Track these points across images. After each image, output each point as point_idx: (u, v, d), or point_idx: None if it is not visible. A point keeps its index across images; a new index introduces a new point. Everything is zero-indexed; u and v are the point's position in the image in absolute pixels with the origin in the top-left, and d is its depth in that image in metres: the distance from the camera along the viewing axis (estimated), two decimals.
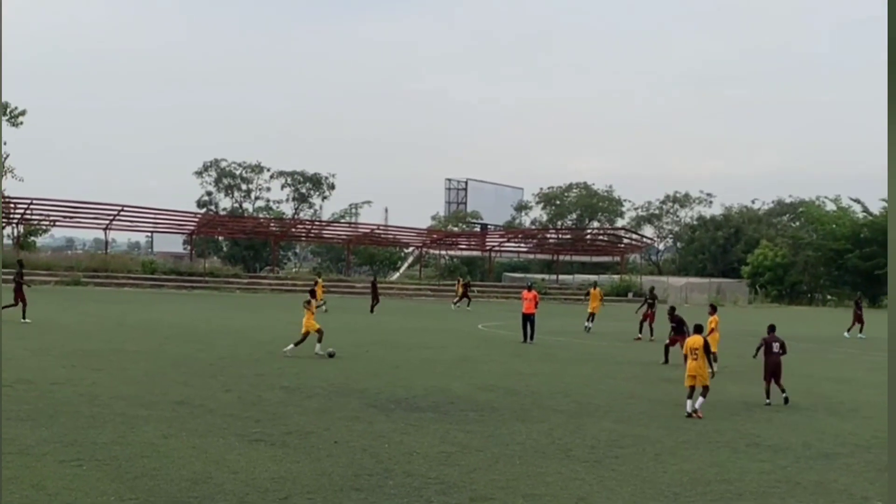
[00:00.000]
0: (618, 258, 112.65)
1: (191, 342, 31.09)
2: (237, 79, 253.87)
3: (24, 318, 35.43)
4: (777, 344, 21.85)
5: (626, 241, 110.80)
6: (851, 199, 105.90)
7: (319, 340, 28.03)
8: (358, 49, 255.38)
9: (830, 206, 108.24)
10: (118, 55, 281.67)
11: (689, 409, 19.40)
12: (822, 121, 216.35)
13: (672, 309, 30.39)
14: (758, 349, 22.48)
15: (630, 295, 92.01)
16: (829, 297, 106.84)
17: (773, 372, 21.70)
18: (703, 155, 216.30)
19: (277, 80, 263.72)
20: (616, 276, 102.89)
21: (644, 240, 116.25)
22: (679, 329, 29.04)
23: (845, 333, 46.51)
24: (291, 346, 27.96)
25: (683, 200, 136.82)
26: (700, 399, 19.55)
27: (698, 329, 21.33)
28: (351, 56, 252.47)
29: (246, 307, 56.62)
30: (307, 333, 28.18)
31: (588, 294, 50.31)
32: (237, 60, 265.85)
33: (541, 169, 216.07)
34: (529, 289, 38.31)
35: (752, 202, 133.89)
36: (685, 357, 20.70)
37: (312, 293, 46.13)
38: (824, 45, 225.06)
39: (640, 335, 39.77)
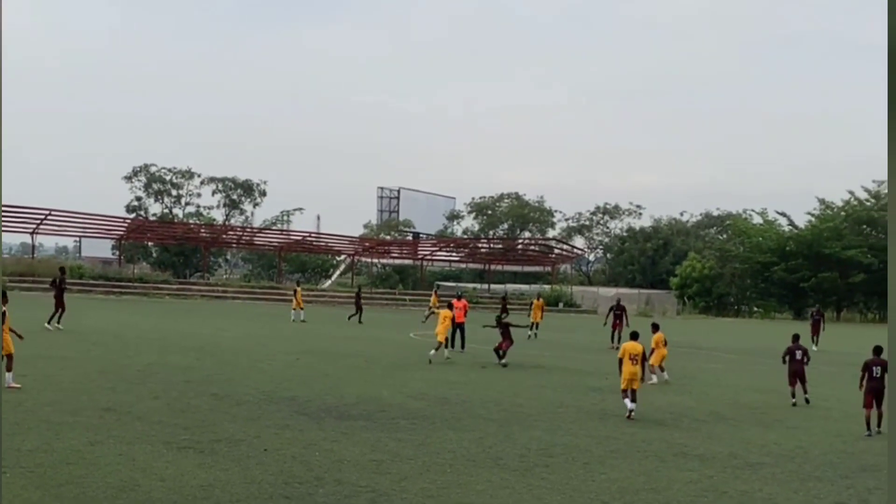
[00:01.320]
0: (549, 268, 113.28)
1: (119, 348, 30.66)
2: (168, 84, 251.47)
3: (52, 323, 36.41)
4: (800, 352, 24.06)
5: (556, 251, 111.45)
6: (778, 213, 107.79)
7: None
8: (291, 56, 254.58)
9: (757, 220, 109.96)
10: (41, 60, 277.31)
11: (630, 407, 20.60)
12: (749, 135, 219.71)
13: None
14: (784, 356, 24.37)
15: (560, 305, 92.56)
16: (755, 308, 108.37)
17: (798, 376, 24.12)
18: (633, 167, 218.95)
19: (208, 85, 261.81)
20: (547, 286, 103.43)
21: (575, 250, 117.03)
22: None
23: (814, 347, 46.19)
24: None
25: (613, 212, 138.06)
26: (632, 405, 20.61)
27: (634, 336, 22.10)
28: (284, 63, 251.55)
29: (175, 313, 56.01)
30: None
31: (531, 305, 51.69)
32: (168, 66, 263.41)
33: (473, 178, 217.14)
34: (459, 298, 38.39)
35: (681, 214, 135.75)
36: (620, 362, 21.21)
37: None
38: (749, 60, 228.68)
39: (613, 344, 40.01)
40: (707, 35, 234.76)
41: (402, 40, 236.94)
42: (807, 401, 24.28)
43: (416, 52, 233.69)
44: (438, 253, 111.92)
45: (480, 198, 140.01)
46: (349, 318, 55.43)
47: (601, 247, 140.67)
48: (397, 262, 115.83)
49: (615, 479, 14.32)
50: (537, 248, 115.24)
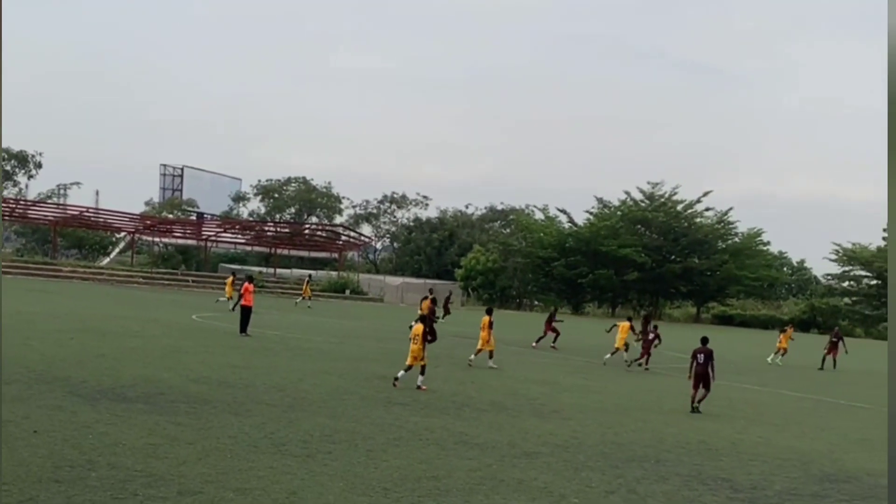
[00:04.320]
0: (336, 255, 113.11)
1: None
2: None
3: None
4: (703, 355, 24.18)
5: (344, 238, 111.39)
6: (558, 210, 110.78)
7: None
8: (73, 22, 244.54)
9: (539, 216, 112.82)
10: None
11: (398, 375, 23.82)
12: (534, 132, 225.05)
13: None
14: (692, 361, 24.53)
15: (347, 292, 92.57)
16: (536, 302, 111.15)
17: (700, 380, 24.10)
18: (420, 158, 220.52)
19: None
20: (334, 273, 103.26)
21: (362, 238, 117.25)
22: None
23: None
24: None
25: (401, 201, 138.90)
26: (420, 377, 23.62)
27: (423, 319, 24.69)
28: (65, 30, 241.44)
29: None
30: None
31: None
32: None
33: (260, 161, 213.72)
34: (250, 280, 37.96)
35: (467, 207, 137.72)
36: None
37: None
38: (538, 59, 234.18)
39: (553, 344, 42.55)
40: (498, 32, 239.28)
41: (185, 13, 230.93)
42: (696, 409, 24.03)
43: (202, 27, 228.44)
44: (223, 234, 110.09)
45: (267, 180, 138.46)
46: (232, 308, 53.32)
47: (388, 236, 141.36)
48: (180, 242, 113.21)
49: (397, 467, 14.39)
50: (324, 235, 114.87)
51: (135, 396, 18.77)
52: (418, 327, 24.12)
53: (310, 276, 79.56)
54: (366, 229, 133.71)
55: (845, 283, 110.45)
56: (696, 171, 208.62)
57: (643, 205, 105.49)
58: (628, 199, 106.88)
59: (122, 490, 11.59)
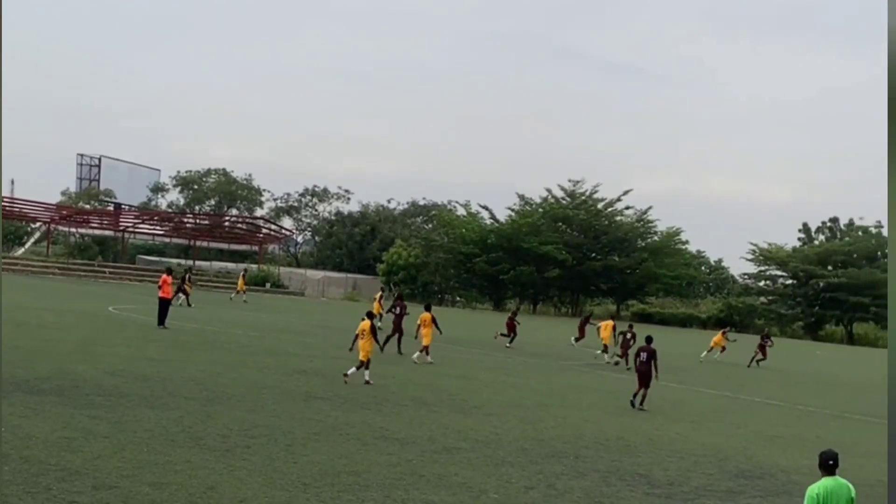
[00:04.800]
0: (256, 248, 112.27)
1: None
2: None
3: None
4: (645, 353, 24.79)
5: (264, 231, 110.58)
6: (480, 206, 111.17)
7: None
8: None
9: (461, 211, 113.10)
10: None
11: (366, 377, 24.02)
12: (457, 128, 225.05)
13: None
14: (635, 359, 25.42)
15: (267, 285, 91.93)
16: (458, 297, 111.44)
17: (640, 378, 24.70)
18: (342, 152, 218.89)
19: None
20: (254, 266, 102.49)
21: (283, 231, 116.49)
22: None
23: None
24: None
25: (322, 195, 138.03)
26: (366, 371, 24.16)
27: (370, 315, 25.56)
28: None
29: None
30: None
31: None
32: None
33: (179, 152, 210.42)
34: (169, 273, 37.52)
35: (389, 202, 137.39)
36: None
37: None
38: (457, 56, 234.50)
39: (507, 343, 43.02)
40: (422, 28, 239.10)
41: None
42: (632, 404, 24.61)
43: (121, 14, 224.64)
44: (141, 225, 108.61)
45: (187, 171, 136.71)
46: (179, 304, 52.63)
47: (309, 229, 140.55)
48: (97, 232, 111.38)
49: (317, 462, 14.35)
50: (245, 227, 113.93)
51: (49, 389, 18.47)
52: (365, 323, 24.64)
53: (245, 269, 79.16)
54: (287, 222, 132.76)
55: (761, 283, 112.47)
56: (616, 170, 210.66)
57: (564, 202, 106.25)
58: (550, 197, 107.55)
59: (35, 484, 11.40)
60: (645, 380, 24.68)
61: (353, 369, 24.23)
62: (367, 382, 23.93)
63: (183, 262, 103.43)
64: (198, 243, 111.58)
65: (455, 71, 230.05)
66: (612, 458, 17.23)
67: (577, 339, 46.38)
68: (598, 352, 39.03)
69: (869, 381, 44.02)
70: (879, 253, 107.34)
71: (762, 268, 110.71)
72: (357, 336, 24.79)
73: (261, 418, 17.67)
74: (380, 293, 50.74)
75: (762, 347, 46.49)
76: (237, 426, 16.57)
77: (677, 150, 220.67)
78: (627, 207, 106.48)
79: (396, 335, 34.14)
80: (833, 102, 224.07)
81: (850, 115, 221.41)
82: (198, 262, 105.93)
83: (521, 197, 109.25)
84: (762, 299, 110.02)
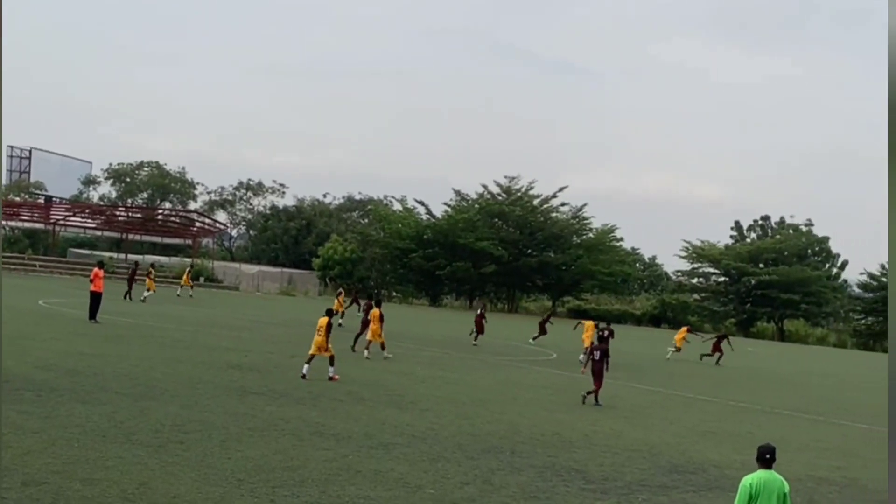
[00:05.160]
0: (190, 241, 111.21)
1: None
2: None
3: None
4: (599, 353, 25.46)
5: (198, 224, 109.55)
6: (416, 201, 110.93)
7: None
8: None
9: (397, 207, 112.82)
10: None
11: (304, 371, 24.36)
12: (393, 123, 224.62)
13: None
14: (589, 356, 25.99)
15: (201, 280, 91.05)
16: (394, 293, 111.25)
17: (594, 375, 25.21)
18: (277, 146, 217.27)
19: None
20: (188, 260, 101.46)
21: (217, 225, 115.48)
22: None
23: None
24: None
25: (257, 189, 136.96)
26: (331, 368, 24.60)
27: (329, 312, 25.80)
28: None
29: None
30: None
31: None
32: None
33: (111, 144, 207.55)
34: (101, 266, 37.05)
35: (324, 196, 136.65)
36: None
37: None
38: (397, 51, 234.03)
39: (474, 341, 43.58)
40: (361, 22, 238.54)
41: None
42: (587, 400, 25.22)
43: (52, 2, 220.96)
44: (73, 218, 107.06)
45: (119, 164, 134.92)
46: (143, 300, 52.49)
47: (244, 223, 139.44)
48: (27, 225, 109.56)
49: (251, 457, 14.25)
50: (178, 220, 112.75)
51: None
52: (323, 320, 25.11)
53: (192, 264, 78.79)
54: (221, 216, 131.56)
55: (695, 280, 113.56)
56: (552, 167, 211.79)
57: (500, 199, 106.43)
58: (486, 193, 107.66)
59: None
60: (599, 377, 25.25)
61: (306, 366, 24.71)
62: (332, 378, 24.53)
63: (115, 255, 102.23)
64: (130, 237, 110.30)
65: (392, 66, 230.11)
66: (547, 454, 17.31)
67: (535, 338, 46.98)
68: (582, 356, 38.44)
69: (799, 378, 44.71)
70: (809, 251, 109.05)
71: (695, 265, 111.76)
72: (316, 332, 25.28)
73: (194, 413, 17.50)
74: (340, 290, 51.73)
75: (719, 344, 47.29)
76: (170, 421, 16.40)
77: (613, 148, 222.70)
78: (563, 204, 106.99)
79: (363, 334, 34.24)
80: (764, 100, 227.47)
81: (781, 114, 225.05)
82: (131, 256, 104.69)
83: (458, 192, 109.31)
84: (695, 296, 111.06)
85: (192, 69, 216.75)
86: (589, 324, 41.33)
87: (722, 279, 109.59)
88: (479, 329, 44.43)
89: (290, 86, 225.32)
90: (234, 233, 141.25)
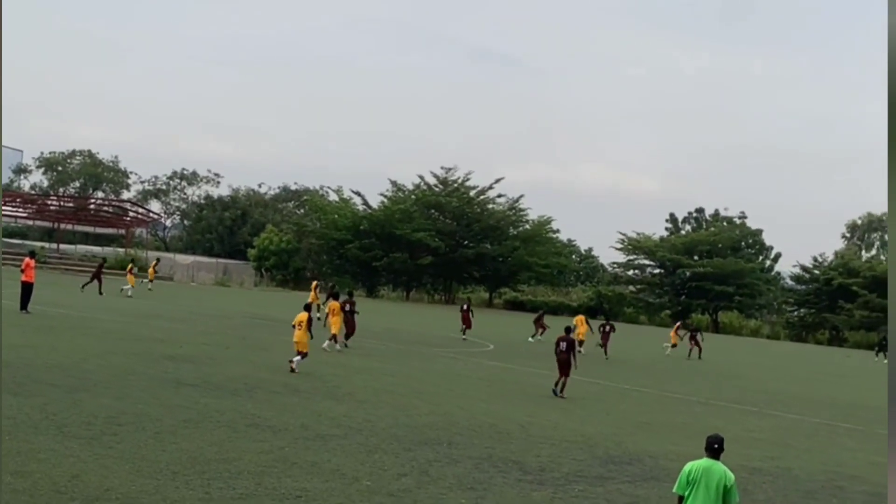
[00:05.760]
0: (123, 231, 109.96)
1: None
2: None
3: None
4: (565, 343, 25.94)
5: (132, 214, 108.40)
6: (353, 192, 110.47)
7: None
8: None
9: (333, 197, 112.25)
10: None
11: (295, 365, 25.01)
12: (328, 113, 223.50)
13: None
14: (555, 348, 26.40)
15: (135, 270, 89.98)
16: (331, 284, 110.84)
17: (560, 366, 25.90)
18: (211, 136, 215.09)
19: None
20: (121, 250, 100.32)
21: (150, 214, 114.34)
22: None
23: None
24: None
25: (191, 178, 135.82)
26: (297, 358, 25.17)
27: (307, 307, 26.95)
28: None
29: None
30: None
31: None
32: None
33: (42, 132, 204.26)
34: (32, 256, 36.54)
35: (259, 186, 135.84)
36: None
37: None
38: (327, 40, 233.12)
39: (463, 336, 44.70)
40: (293, 11, 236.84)
41: None
42: (554, 392, 25.84)
43: None
44: (3, 208, 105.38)
45: (50, 153, 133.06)
46: (83, 287, 53.19)
47: (178, 213, 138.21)
48: None
49: (186, 450, 14.14)
50: (111, 210, 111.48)
51: None
52: (303, 315, 25.94)
53: (157, 259, 79.44)
54: (155, 206, 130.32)
55: (630, 272, 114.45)
56: (488, 158, 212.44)
57: (437, 189, 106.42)
58: (422, 184, 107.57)
59: None
60: (565, 368, 25.91)
61: (298, 358, 25.28)
62: (292, 369, 24.91)
63: (47, 245, 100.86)
64: (62, 226, 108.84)
65: (324, 55, 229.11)
66: (484, 445, 17.38)
67: (534, 336, 48.31)
68: (580, 350, 39.32)
69: (733, 369, 45.30)
70: (743, 243, 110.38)
71: (631, 257, 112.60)
72: (295, 326, 26.01)
73: (128, 405, 17.33)
74: (315, 283, 52.99)
75: (694, 339, 48.12)
76: (103, 413, 16.23)
77: (548, 140, 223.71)
78: (500, 195, 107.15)
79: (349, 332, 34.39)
80: (698, 94, 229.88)
81: (715, 108, 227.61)
82: (62, 246, 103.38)
83: (394, 183, 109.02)
84: (631, 288, 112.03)
85: (126, 58, 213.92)
86: (580, 317, 44.04)
87: (657, 271, 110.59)
88: (468, 324, 45.94)
89: (225, 75, 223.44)
90: (168, 223, 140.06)
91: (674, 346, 48.87)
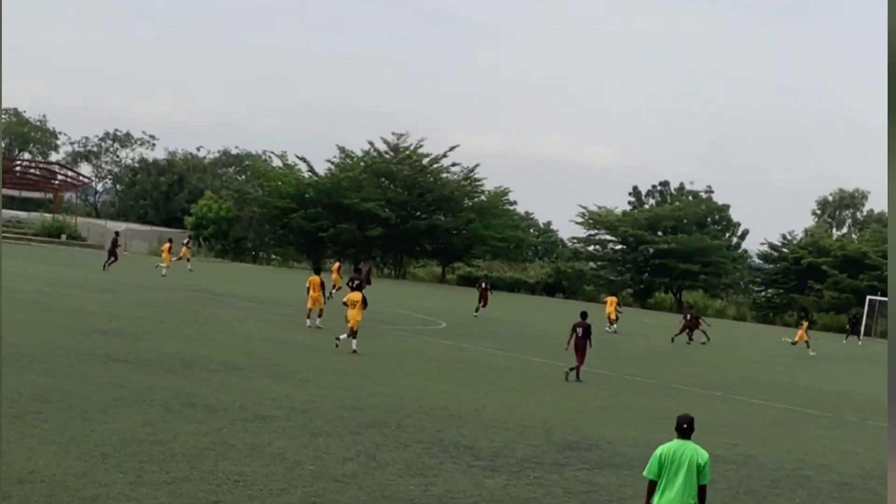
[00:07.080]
0: (51, 196, 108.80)
1: None
2: None
3: None
4: (581, 329, 27.13)
5: (60, 177, 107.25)
6: (298, 157, 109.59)
7: None
8: None
9: (277, 163, 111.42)
10: None
11: (354, 346, 26.92)
12: (270, 74, 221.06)
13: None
14: (572, 333, 27.31)
15: (63, 237, 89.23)
16: (273, 255, 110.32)
17: (577, 351, 26.97)
18: (145, 95, 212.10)
19: None
20: (49, 215, 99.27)
21: (81, 178, 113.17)
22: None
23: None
24: None
25: (124, 140, 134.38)
26: (344, 336, 27.25)
27: (359, 287, 29.72)
28: None
29: None
30: None
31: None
32: None
33: None
34: None
35: (198, 150, 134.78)
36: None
37: None
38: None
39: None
40: None
41: None
42: (572, 377, 26.89)
43: None
44: None
45: None
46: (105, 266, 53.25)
47: (111, 177, 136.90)
48: None
49: (117, 430, 14.07)
50: (38, 173, 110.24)
51: None
52: (355, 294, 28.18)
53: (189, 237, 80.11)
54: (85, 169, 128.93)
55: (591, 248, 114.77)
56: (442, 125, 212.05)
57: (388, 157, 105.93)
58: (372, 150, 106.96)
59: None
60: (582, 354, 26.94)
61: (345, 336, 27.20)
62: (354, 351, 26.69)
63: None
64: None
65: (274, 11, 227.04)
66: (435, 428, 17.43)
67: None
68: (607, 328, 41.72)
69: (695, 352, 45.71)
70: (709, 219, 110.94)
71: (591, 232, 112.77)
72: (346, 304, 28.22)
73: (55, 382, 17.21)
74: (337, 264, 55.24)
75: (691, 325, 48.51)
76: (28, 390, 16.11)
77: (505, 106, 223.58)
78: (454, 164, 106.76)
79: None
80: (663, 62, 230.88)
81: (682, 78, 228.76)
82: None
83: (342, 149, 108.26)
84: (591, 264, 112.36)
85: (52, 9, 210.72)
86: (611, 298, 49.71)
87: (619, 247, 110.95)
88: (485, 301, 48.94)
89: (160, 32, 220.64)
90: (99, 187, 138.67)
91: (804, 343, 49.72)
